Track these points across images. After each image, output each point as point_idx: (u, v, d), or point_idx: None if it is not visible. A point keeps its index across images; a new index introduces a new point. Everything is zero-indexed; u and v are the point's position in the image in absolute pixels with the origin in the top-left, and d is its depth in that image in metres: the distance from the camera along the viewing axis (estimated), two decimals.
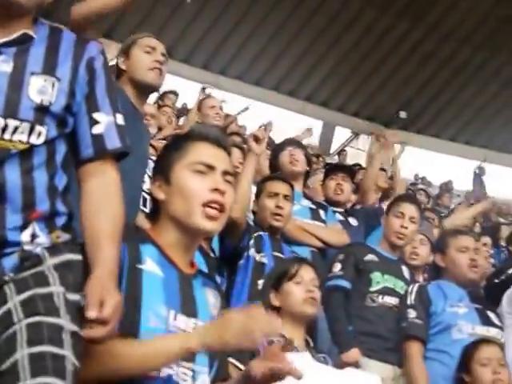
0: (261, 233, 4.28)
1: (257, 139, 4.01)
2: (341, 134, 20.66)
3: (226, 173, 2.18)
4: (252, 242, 4.18)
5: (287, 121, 17.31)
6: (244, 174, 4.04)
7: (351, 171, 5.86)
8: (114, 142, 2.06)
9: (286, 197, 4.35)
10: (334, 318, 4.21)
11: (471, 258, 4.30)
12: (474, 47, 18.20)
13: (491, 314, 4.28)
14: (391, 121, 19.25)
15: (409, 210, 4.52)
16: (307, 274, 3.37)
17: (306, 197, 5.14)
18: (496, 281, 5.16)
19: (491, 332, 4.11)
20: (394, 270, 4.45)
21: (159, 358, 1.89)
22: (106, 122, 2.06)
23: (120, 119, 2.10)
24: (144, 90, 3.67)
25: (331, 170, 5.77)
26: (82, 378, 1.82)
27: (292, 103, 18.93)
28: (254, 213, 4.51)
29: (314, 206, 5.08)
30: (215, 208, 2.11)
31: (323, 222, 5.00)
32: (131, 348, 1.89)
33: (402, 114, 19.00)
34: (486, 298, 4.59)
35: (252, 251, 4.15)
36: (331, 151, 19.40)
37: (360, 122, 19.22)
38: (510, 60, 18.57)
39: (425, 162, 19.69)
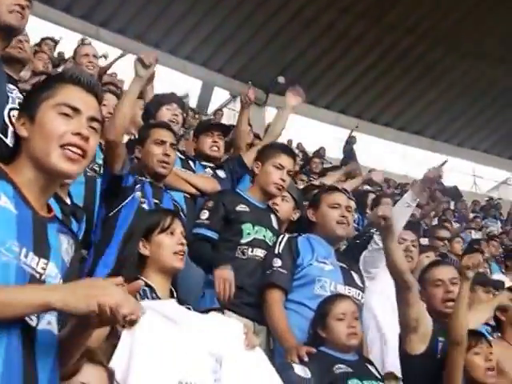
0: (143, 178, 4.28)
1: (143, 63, 3.92)
2: (220, 96, 20.84)
3: (92, 119, 2.13)
4: (139, 186, 4.19)
5: (168, 79, 17.19)
6: (126, 96, 3.99)
7: (227, 129, 5.85)
8: None
9: (172, 145, 4.36)
10: (200, 254, 4.20)
11: (342, 214, 4.30)
12: (355, 16, 18.62)
13: (355, 275, 4.29)
14: (269, 85, 19.45)
15: (288, 162, 4.48)
16: (179, 227, 3.34)
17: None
18: (357, 241, 5.21)
19: (352, 292, 4.14)
20: (264, 220, 4.43)
21: (16, 307, 1.82)
22: None
23: None
24: (4, 31, 3.45)
25: (208, 127, 5.69)
26: None
27: (173, 61, 18.88)
28: (137, 159, 4.47)
29: (183, 157, 5.17)
30: (75, 152, 2.06)
31: (193, 171, 5.10)
32: None
33: (280, 79, 19.00)
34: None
35: (138, 194, 4.16)
36: (209, 111, 19.47)
37: (238, 83, 19.38)
38: (389, 31, 19.15)
39: (300, 128, 20.00)
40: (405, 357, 3.88)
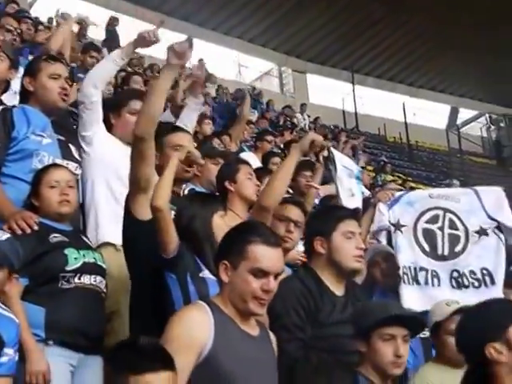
0: None
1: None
2: None
3: None
4: None
5: None
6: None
7: None
8: None
9: None
10: None
11: (62, 86, 4.13)
12: None
13: (72, 147, 4.17)
14: None
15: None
16: None
17: None
18: None
19: (70, 165, 3.98)
20: None
21: None
22: None
23: None
24: None
25: None
26: None
27: None
28: None
29: None
30: None
31: None
32: None
33: None
34: None
35: None
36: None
37: None
38: None
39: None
40: (131, 221, 3.46)
